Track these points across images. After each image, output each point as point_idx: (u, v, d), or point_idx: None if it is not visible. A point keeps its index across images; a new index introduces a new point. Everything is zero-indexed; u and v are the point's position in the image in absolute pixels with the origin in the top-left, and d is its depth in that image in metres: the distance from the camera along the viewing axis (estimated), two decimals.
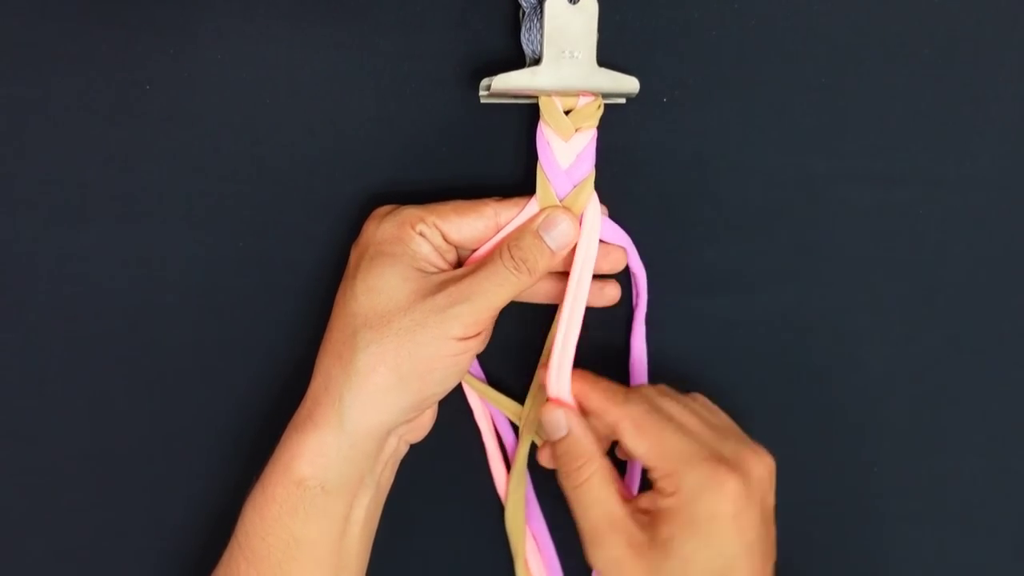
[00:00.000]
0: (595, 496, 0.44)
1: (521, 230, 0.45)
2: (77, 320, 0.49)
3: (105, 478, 0.51)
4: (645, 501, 0.44)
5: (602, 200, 0.47)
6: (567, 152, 0.46)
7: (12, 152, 0.48)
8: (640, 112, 0.49)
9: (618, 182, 0.49)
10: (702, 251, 0.51)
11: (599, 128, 0.46)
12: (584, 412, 0.46)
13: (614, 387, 0.46)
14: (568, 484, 0.45)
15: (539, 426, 0.48)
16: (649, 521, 0.43)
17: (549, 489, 0.50)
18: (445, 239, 0.45)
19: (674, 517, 0.42)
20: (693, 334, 0.51)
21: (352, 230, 0.49)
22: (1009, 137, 0.51)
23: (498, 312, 0.45)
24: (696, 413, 0.45)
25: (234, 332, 0.50)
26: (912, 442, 0.53)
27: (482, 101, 0.47)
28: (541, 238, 0.45)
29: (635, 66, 0.47)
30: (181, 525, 0.52)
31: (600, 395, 0.46)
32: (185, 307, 0.50)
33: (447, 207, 0.45)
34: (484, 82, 0.46)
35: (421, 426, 0.47)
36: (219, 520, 0.52)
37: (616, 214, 0.49)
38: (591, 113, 0.46)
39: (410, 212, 0.45)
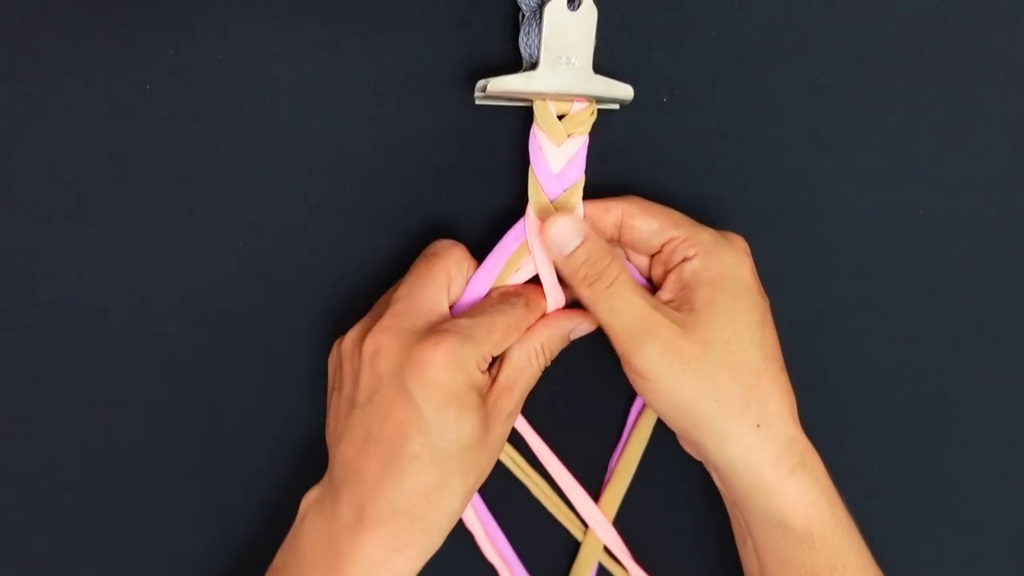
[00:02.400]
0: (630, 291, 0.44)
1: (551, 329, 0.46)
2: (77, 320, 0.49)
3: (105, 478, 0.51)
4: (667, 289, 0.45)
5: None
6: (558, 157, 0.46)
7: (12, 152, 0.48)
8: (640, 112, 0.49)
9: (617, 182, 0.49)
10: None
11: (596, 130, 0.46)
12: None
13: (601, 199, 0.47)
14: (602, 284, 0.44)
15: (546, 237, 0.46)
16: (680, 301, 0.45)
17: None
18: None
19: (705, 275, 0.44)
20: None
21: (352, 230, 0.49)
22: (1009, 137, 0.51)
23: None
24: None
25: (234, 332, 0.50)
26: (912, 442, 0.53)
27: (477, 103, 0.47)
28: (569, 340, 0.47)
29: (635, 66, 0.47)
30: (181, 525, 0.52)
31: (594, 202, 0.46)
32: (185, 307, 0.50)
33: (497, 335, 0.44)
34: (480, 83, 0.46)
35: None
36: (219, 520, 0.52)
37: None
38: (584, 119, 0.46)
39: (475, 355, 0.43)
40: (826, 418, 0.51)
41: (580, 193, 0.46)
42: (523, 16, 0.46)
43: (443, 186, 0.49)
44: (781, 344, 0.47)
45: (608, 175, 0.49)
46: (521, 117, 0.49)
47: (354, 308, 0.49)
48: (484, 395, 0.44)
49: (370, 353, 0.44)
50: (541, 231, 0.46)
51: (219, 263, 0.49)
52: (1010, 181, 0.51)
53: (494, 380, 0.45)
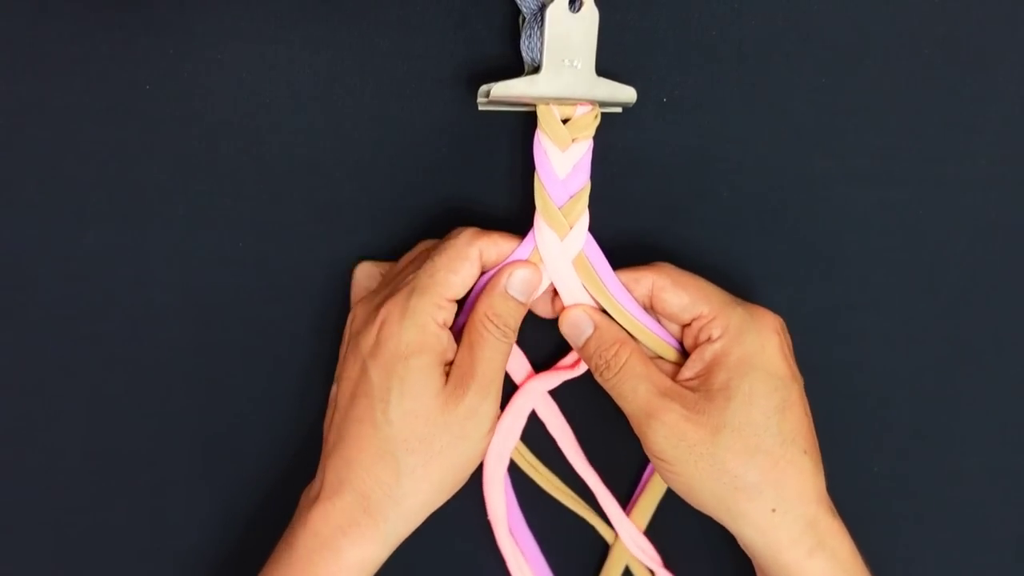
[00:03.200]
0: (639, 372, 0.45)
1: (490, 294, 0.45)
2: (77, 320, 0.49)
3: (105, 478, 0.51)
4: (689, 367, 0.45)
5: (602, 200, 0.47)
6: (564, 162, 0.45)
7: (12, 152, 0.48)
8: (640, 112, 0.48)
9: (618, 182, 0.49)
10: (702, 251, 0.51)
11: (596, 131, 0.46)
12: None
13: (632, 267, 0.47)
14: (609, 373, 0.45)
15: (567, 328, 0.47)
16: (699, 381, 0.45)
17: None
18: (455, 304, 0.45)
19: (726, 359, 0.44)
20: None
21: (351, 230, 0.49)
22: (1009, 137, 0.51)
23: None
24: None
25: (234, 332, 0.50)
26: (912, 442, 0.53)
27: (480, 108, 0.47)
28: (510, 296, 0.45)
29: (635, 66, 0.47)
30: (181, 525, 0.52)
31: (627, 271, 0.46)
32: (185, 307, 0.50)
33: (440, 273, 0.44)
34: (483, 89, 0.45)
35: None
36: (218, 520, 0.52)
37: (616, 214, 0.49)
38: (588, 123, 0.45)
39: (427, 305, 0.43)
40: (826, 418, 0.51)
41: (586, 200, 0.45)
42: (523, 20, 0.45)
43: (443, 186, 0.49)
44: None
45: (608, 175, 0.49)
46: (521, 117, 0.49)
47: None
48: (447, 361, 0.44)
49: (350, 326, 0.45)
50: (562, 318, 0.47)
51: (219, 263, 0.49)
52: (1010, 181, 0.51)
53: (454, 360, 0.45)
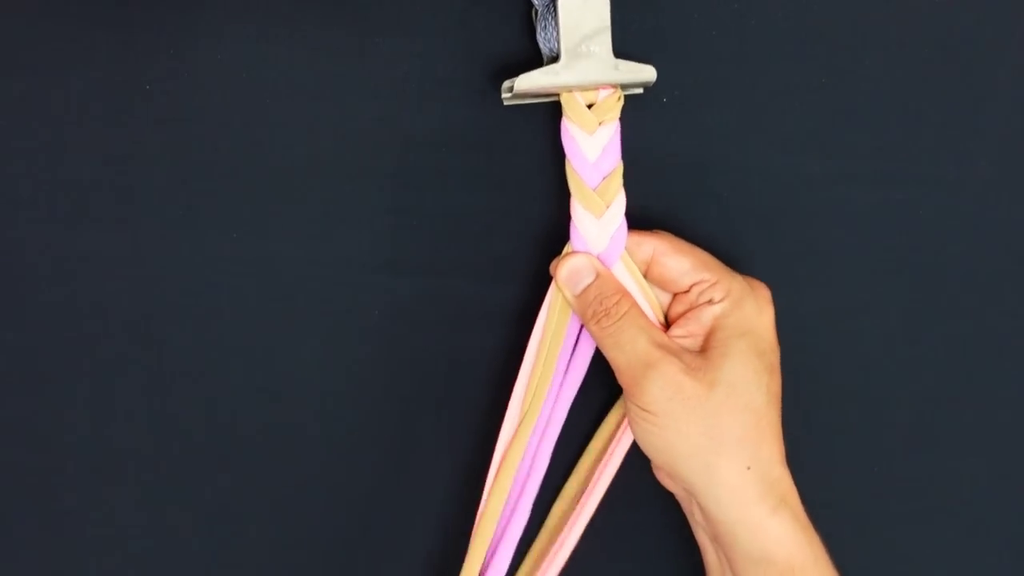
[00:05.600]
0: (640, 323, 0.45)
1: (585, 298, 0.46)
2: (77, 320, 0.49)
3: (105, 478, 0.51)
4: (684, 325, 0.46)
5: None
6: (593, 146, 0.46)
7: (12, 152, 0.48)
8: (640, 112, 0.48)
9: None
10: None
11: (620, 121, 0.46)
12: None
13: (633, 231, 0.47)
14: (608, 321, 0.45)
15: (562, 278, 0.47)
16: (694, 340, 0.46)
17: None
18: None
19: (725, 321, 0.45)
20: None
21: (351, 230, 0.49)
22: (1009, 137, 0.51)
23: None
24: None
25: (233, 332, 0.50)
26: (912, 442, 0.53)
27: (505, 103, 0.47)
28: (564, 292, 0.47)
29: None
30: (181, 525, 0.52)
31: (628, 233, 0.47)
32: (184, 307, 0.50)
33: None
34: (506, 84, 0.46)
35: None
36: (218, 520, 0.51)
37: None
38: (612, 105, 0.46)
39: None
40: (826, 418, 0.51)
41: (620, 179, 0.46)
42: (536, 12, 0.46)
43: (443, 186, 0.49)
44: (782, 344, 0.47)
45: None
46: (521, 116, 0.49)
47: (354, 308, 0.49)
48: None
49: None
50: (555, 269, 0.47)
51: (219, 263, 0.49)
52: (1010, 181, 0.51)
53: None
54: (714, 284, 0.46)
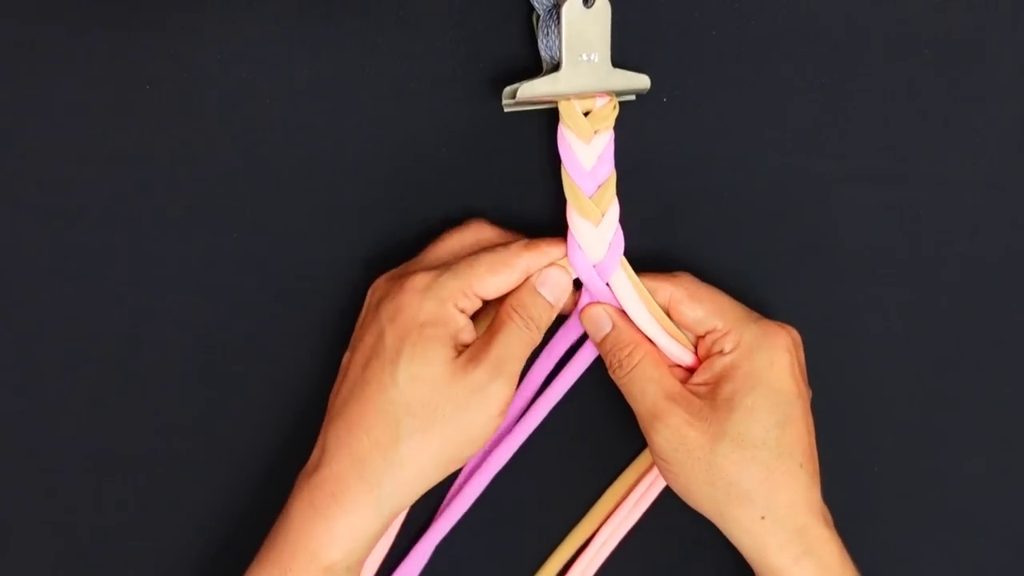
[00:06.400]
0: (650, 375, 0.46)
1: (519, 290, 0.46)
2: (77, 320, 0.49)
3: (105, 478, 0.51)
4: (700, 373, 0.47)
5: None
6: (589, 154, 0.46)
7: (12, 152, 0.48)
8: (640, 112, 0.48)
9: (618, 182, 0.49)
10: (702, 251, 0.51)
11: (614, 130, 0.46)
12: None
13: (652, 274, 0.48)
14: (621, 372, 0.47)
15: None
16: (707, 389, 0.46)
17: None
18: (482, 301, 0.46)
19: (735, 373, 0.45)
20: None
21: (352, 230, 0.49)
22: (1009, 137, 0.51)
23: None
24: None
25: (234, 332, 0.50)
26: (912, 442, 0.53)
27: (506, 110, 0.47)
28: (540, 295, 0.46)
29: (635, 66, 0.47)
30: (180, 525, 0.52)
31: (648, 277, 0.47)
32: (185, 307, 0.50)
33: (481, 268, 0.45)
34: (507, 91, 0.46)
35: None
36: (218, 520, 0.51)
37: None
38: (608, 114, 0.46)
39: (452, 288, 0.44)
40: (826, 418, 0.51)
41: (614, 188, 0.46)
42: (537, 18, 0.46)
43: (443, 186, 0.49)
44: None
45: None
46: (521, 116, 0.49)
47: (354, 308, 0.48)
48: (461, 343, 0.45)
49: (371, 296, 0.47)
50: (581, 312, 0.48)
51: (219, 263, 0.49)
52: (1010, 181, 0.51)
53: (479, 339, 0.45)
54: (725, 334, 0.46)
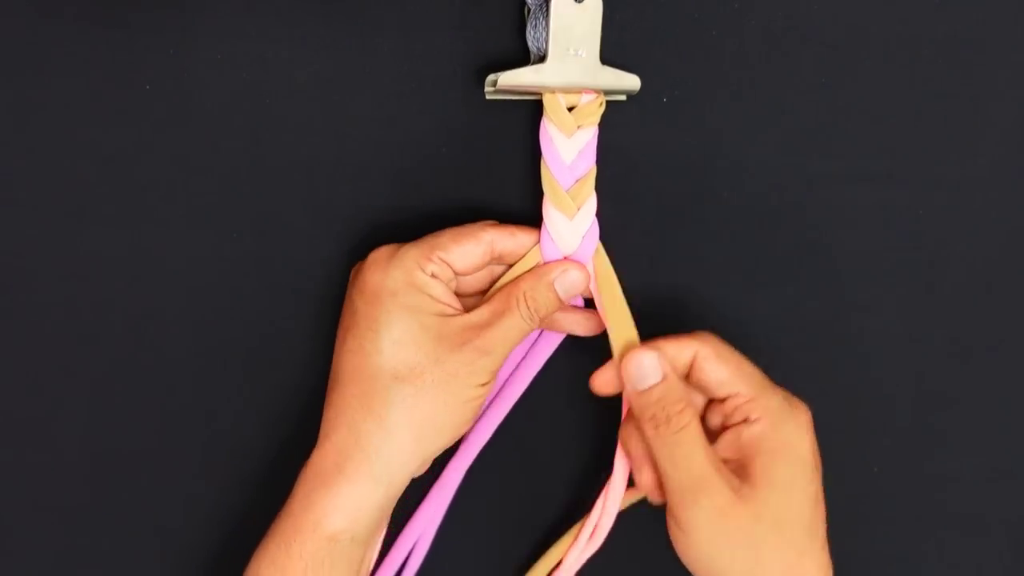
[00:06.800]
0: (697, 442, 0.43)
1: (536, 279, 0.46)
2: (77, 320, 0.49)
3: (105, 478, 0.51)
4: (724, 446, 0.44)
5: (602, 200, 0.47)
6: (570, 148, 0.46)
7: (12, 152, 0.48)
8: (640, 112, 0.49)
9: (618, 182, 0.49)
10: (702, 251, 0.51)
11: (599, 127, 0.46)
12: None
13: (676, 335, 0.46)
14: (668, 431, 0.43)
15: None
16: (737, 464, 0.44)
17: None
18: (452, 270, 0.45)
19: (765, 446, 0.43)
20: None
21: (352, 230, 0.49)
22: (1009, 137, 0.51)
23: None
24: None
25: (234, 332, 0.50)
26: (912, 442, 0.53)
27: (487, 98, 0.47)
28: (555, 290, 0.46)
29: (635, 66, 0.47)
30: (180, 525, 0.52)
31: (671, 339, 0.45)
32: (185, 307, 0.50)
33: (445, 238, 0.45)
34: (490, 78, 0.46)
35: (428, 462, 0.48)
36: (218, 520, 0.52)
37: (616, 214, 0.49)
38: (593, 111, 0.46)
39: (415, 253, 0.44)
40: (826, 418, 0.51)
41: (592, 183, 0.47)
42: (529, 11, 0.46)
43: (443, 186, 0.49)
44: (781, 344, 0.47)
45: (609, 176, 0.49)
46: (521, 116, 0.49)
47: None
48: (441, 306, 0.44)
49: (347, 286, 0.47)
50: (621, 361, 0.45)
51: (219, 263, 0.49)
52: (1010, 181, 0.51)
53: (468, 311, 0.45)
54: (750, 400, 0.44)
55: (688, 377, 0.45)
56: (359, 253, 0.49)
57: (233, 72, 0.48)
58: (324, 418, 0.45)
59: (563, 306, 0.47)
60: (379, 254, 0.45)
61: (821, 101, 0.50)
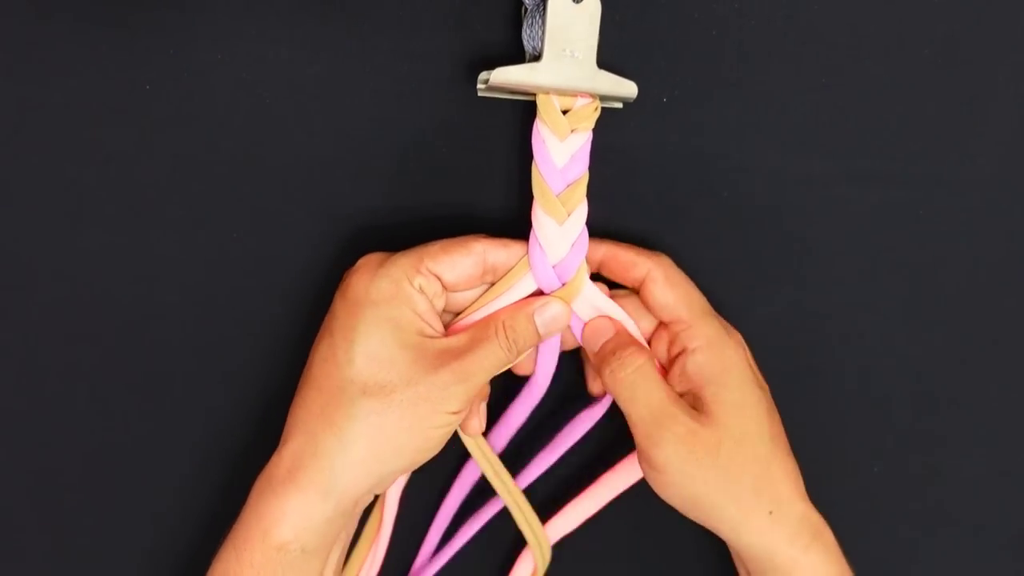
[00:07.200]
0: (654, 377, 0.45)
1: (516, 311, 0.45)
2: (77, 320, 0.49)
3: (105, 478, 0.51)
4: (675, 381, 0.46)
5: (602, 200, 0.47)
6: (562, 152, 0.45)
7: (12, 152, 0.48)
8: (640, 112, 0.48)
9: (618, 182, 0.49)
10: (702, 251, 0.51)
11: (597, 128, 0.46)
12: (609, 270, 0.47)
13: (635, 247, 0.47)
14: (623, 371, 0.45)
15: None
16: (690, 396, 0.45)
17: None
18: (441, 282, 0.45)
19: (709, 373, 0.45)
20: None
21: (352, 230, 0.49)
22: (1009, 137, 0.51)
23: None
24: None
25: (233, 332, 0.50)
26: (912, 442, 0.53)
27: (479, 94, 0.47)
28: (534, 322, 0.45)
29: (635, 66, 0.47)
30: (179, 525, 0.52)
31: (627, 248, 0.47)
32: (185, 307, 0.50)
33: (435, 248, 0.44)
34: (482, 75, 0.45)
35: (394, 481, 0.47)
36: (216, 520, 0.52)
37: (616, 214, 0.49)
38: (588, 115, 0.45)
39: (405, 264, 0.44)
40: (826, 418, 0.52)
41: (584, 189, 0.46)
42: (525, 9, 0.46)
43: (443, 186, 0.49)
44: (780, 344, 0.47)
45: (608, 176, 0.49)
46: (521, 117, 0.49)
47: None
48: (423, 326, 0.44)
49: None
50: (585, 326, 0.47)
51: (219, 263, 0.49)
52: (1010, 181, 0.51)
53: (448, 334, 0.45)
54: (688, 329, 0.46)
55: (638, 292, 0.47)
56: (359, 253, 0.49)
57: (233, 72, 0.47)
58: (286, 423, 0.44)
59: (541, 340, 0.46)
60: (368, 261, 0.45)
61: (821, 101, 0.50)
